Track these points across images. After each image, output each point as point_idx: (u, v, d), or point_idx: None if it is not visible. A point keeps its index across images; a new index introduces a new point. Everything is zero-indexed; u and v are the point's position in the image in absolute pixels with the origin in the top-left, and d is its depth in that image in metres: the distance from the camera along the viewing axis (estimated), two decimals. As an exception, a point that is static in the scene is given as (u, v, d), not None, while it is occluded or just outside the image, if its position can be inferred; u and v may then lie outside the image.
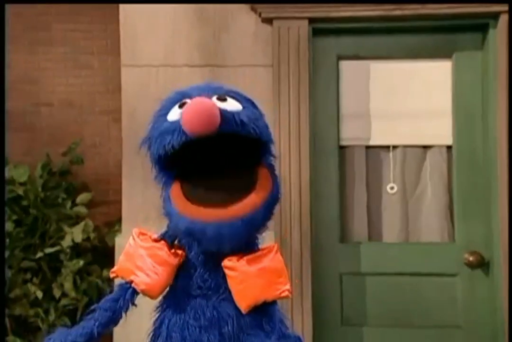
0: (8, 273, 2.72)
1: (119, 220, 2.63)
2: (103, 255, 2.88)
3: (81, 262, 2.79)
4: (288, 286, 1.28)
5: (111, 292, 1.33)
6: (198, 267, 1.30)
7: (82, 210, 2.93)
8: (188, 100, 1.20)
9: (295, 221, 2.46)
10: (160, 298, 1.36)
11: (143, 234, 1.33)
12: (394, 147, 2.63)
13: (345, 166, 2.63)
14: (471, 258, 2.47)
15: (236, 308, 1.26)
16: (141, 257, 1.28)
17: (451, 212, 2.59)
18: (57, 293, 2.77)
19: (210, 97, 1.19)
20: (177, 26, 2.54)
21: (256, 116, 1.23)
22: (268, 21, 2.50)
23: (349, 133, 2.61)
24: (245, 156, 1.25)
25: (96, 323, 1.24)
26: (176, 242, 1.34)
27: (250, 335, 1.25)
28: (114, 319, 1.27)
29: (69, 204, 2.94)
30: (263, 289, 1.25)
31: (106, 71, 3.20)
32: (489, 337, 2.50)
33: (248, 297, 1.24)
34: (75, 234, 2.80)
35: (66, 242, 2.79)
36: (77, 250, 2.85)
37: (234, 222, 1.17)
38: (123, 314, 1.28)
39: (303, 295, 2.43)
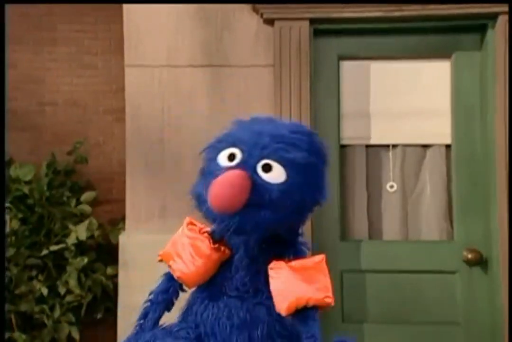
0: (14, 270, 2.75)
1: (123, 218, 2.67)
2: (107, 252, 2.92)
3: (86, 260, 2.81)
4: (331, 294, 1.29)
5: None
6: (240, 270, 1.32)
7: (86, 208, 2.96)
8: (238, 155, 1.23)
9: (296, 219, 2.48)
10: (193, 290, 1.38)
11: (192, 224, 1.37)
12: (394, 146, 2.66)
13: (346, 165, 2.66)
14: (470, 256, 2.50)
15: (270, 314, 1.28)
16: (183, 245, 1.32)
17: (450, 210, 2.62)
18: (62, 290, 2.79)
19: (257, 161, 1.21)
20: (180, 27, 2.57)
21: (299, 186, 1.25)
22: (270, 21, 2.53)
23: (350, 133, 2.63)
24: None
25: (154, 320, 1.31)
26: (224, 239, 1.35)
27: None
28: (167, 309, 1.34)
29: (73, 202, 2.96)
30: (306, 290, 1.26)
31: (110, 71, 3.23)
32: (487, 333, 2.53)
33: (289, 298, 1.24)
34: (79, 232, 2.82)
35: (71, 240, 2.82)
36: (81, 248, 2.88)
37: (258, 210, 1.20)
38: (174, 301, 1.34)
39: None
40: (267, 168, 1.22)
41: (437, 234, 2.62)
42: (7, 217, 2.75)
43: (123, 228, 2.66)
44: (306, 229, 2.46)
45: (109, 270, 2.85)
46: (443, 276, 2.56)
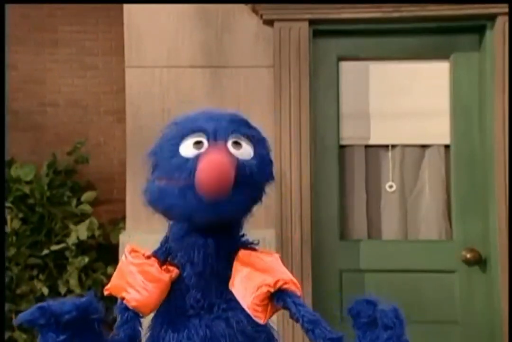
0: (15, 270, 2.76)
1: (123, 218, 2.67)
2: (108, 252, 2.93)
3: (86, 259, 2.83)
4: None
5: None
6: (190, 288, 1.28)
7: (87, 208, 2.97)
8: (204, 141, 1.20)
9: (296, 218, 2.50)
10: (152, 316, 1.34)
11: (135, 251, 1.32)
12: (393, 146, 2.67)
13: (345, 165, 2.67)
14: (468, 255, 2.51)
15: (229, 327, 1.25)
16: (132, 274, 1.27)
17: (449, 210, 2.63)
18: (62, 289, 2.81)
19: (226, 140, 1.19)
20: (180, 28, 2.59)
21: (264, 162, 1.26)
22: (269, 22, 2.54)
23: (349, 133, 2.65)
24: None
25: None
26: (169, 259, 1.32)
27: None
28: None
29: (74, 202, 2.98)
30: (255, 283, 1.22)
31: (110, 72, 3.25)
32: (485, 333, 2.54)
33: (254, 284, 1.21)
34: (80, 232, 2.84)
35: (72, 240, 2.84)
36: (82, 247, 2.89)
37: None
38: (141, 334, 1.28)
39: (304, 291, 2.46)
40: (237, 144, 1.21)
41: (436, 234, 2.63)
42: (8, 217, 2.77)
43: (124, 228, 2.67)
44: (305, 228, 2.49)
45: (110, 270, 2.85)
46: (442, 275, 2.57)
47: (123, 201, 2.61)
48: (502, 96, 2.46)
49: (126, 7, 2.59)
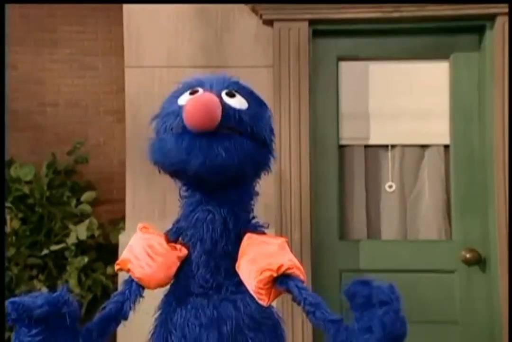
0: (15, 270, 2.76)
1: (123, 218, 2.67)
2: (107, 252, 2.93)
3: (86, 259, 2.83)
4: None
5: (115, 289, 1.34)
6: (200, 267, 1.30)
7: (86, 208, 2.97)
8: (200, 89, 1.25)
9: (295, 218, 2.50)
10: (163, 296, 1.37)
11: (146, 228, 1.36)
12: (393, 146, 2.67)
13: (345, 165, 2.67)
14: (468, 255, 2.51)
15: (236, 309, 1.27)
16: (140, 247, 1.30)
17: (449, 210, 2.63)
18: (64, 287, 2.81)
19: (220, 90, 1.24)
20: (180, 28, 2.59)
21: (258, 117, 1.26)
22: (269, 22, 2.54)
23: (349, 133, 2.65)
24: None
25: (106, 314, 1.25)
26: (180, 239, 1.35)
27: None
28: (123, 311, 1.27)
29: (74, 202, 2.98)
30: (276, 259, 1.24)
31: (110, 72, 3.25)
32: (485, 333, 2.54)
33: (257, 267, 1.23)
34: (79, 232, 2.84)
35: (71, 240, 2.83)
36: (81, 247, 2.89)
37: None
38: (132, 306, 1.28)
39: (303, 291, 2.47)
40: (230, 95, 1.24)
41: (435, 234, 2.63)
42: (8, 217, 2.77)
43: (123, 228, 2.67)
44: (305, 228, 2.50)
45: (109, 270, 2.85)
46: (442, 275, 2.57)
47: (122, 201, 2.62)
48: (501, 97, 2.46)
49: (126, 7, 2.59)
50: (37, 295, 1.13)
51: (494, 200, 2.49)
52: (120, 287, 1.34)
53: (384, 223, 2.68)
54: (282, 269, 1.20)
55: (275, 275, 1.20)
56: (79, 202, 2.99)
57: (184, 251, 1.32)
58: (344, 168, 2.67)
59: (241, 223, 1.32)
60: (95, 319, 1.24)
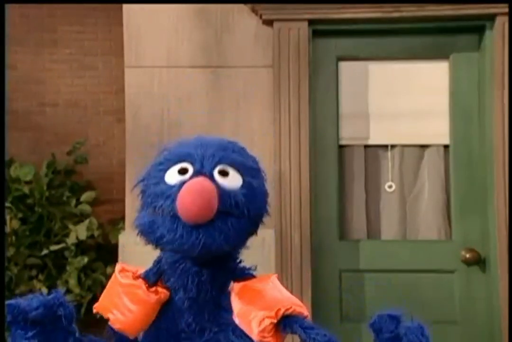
0: (14, 270, 2.76)
1: (122, 218, 2.68)
2: (107, 252, 2.93)
3: (86, 259, 2.83)
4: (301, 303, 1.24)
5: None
6: (182, 311, 1.27)
7: (86, 208, 2.98)
8: (190, 168, 1.18)
9: (295, 218, 2.50)
10: (141, 337, 1.33)
11: (125, 271, 1.31)
12: (393, 146, 2.67)
13: (344, 165, 2.67)
14: (468, 255, 2.51)
15: None
16: (118, 295, 1.26)
17: (448, 210, 2.63)
18: (62, 289, 2.80)
19: (212, 169, 1.17)
20: (179, 28, 2.59)
21: (254, 194, 1.22)
22: (269, 22, 2.54)
23: (348, 133, 2.65)
24: None
25: None
26: (162, 280, 1.31)
27: None
28: None
29: (73, 202, 2.98)
30: (276, 302, 1.20)
31: (110, 72, 3.25)
32: (485, 332, 2.54)
33: (258, 315, 1.19)
34: (79, 232, 2.84)
35: (71, 240, 2.84)
36: (81, 247, 2.90)
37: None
38: None
39: (303, 291, 2.47)
40: (223, 173, 1.19)
41: (435, 234, 2.63)
42: (7, 217, 2.77)
43: (123, 228, 2.67)
44: (305, 228, 2.50)
45: (109, 270, 2.86)
46: (441, 275, 2.57)
47: (122, 201, 2.61)
48: (501, 96, 2.46)
49: (126, 7, 2.59)
50: (32, 297, 1.12)
51: (493, 200, 2.49)
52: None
53: (384, 223, 2.68)
54: (280, 313, 1.17)
55: (275, 321, 1.17)
56: (78, 202, 3.00)
57: (166, 294, 1.28)
58: (343, 168, 2.67)
59: (228, 272, 1.29)
60: None
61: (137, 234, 1.25)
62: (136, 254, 2.47)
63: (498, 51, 2.47)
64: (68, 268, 2.83)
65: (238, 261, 1.32)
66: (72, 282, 2.80)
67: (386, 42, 2.61)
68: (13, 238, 2.80)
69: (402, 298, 2.58)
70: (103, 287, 2.77)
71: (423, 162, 2.68)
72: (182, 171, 1.19)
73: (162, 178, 1.20)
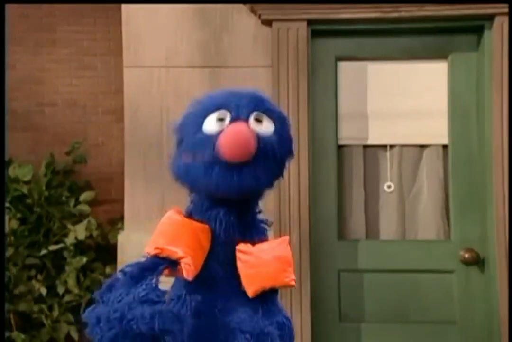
0: (13, 270, 2.76)
1: (121, 218, 2.68)
2: (106, 252, 2.93)
3: (84, 259, 2.83)
4: (294, 276, 1.32)
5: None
6: (211, 258, 1.30)
7: (85, 208, 2.97)
8: (227, 116, 1.22)
9: (294, 218, 2.50)
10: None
11: (180, 212, 1.33)
12: (391, 146, 2.68)
13: (343, 165, 2.67)
14: (466, 255, 2.52)
15: (235, 311, 1.28)
16: (189, 233, 1.27)
17: (447, 210, 2.64)
18: (60, 289, 2.81)
19: (248, 116, 1.22)
20: (178, 28, 2.59)
21: (284, 140, 1.28)
22: (268, 22, 2.55)
23: (347, 133, 2.65)
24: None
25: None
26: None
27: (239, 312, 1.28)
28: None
29: (72, 202, 2.98)
30: (274, 275, 1.29)
31: (109, 72, 3.25)
32: (483, 332, 2.54)
33: (257, 282, 1.27)
34: (78, 232, 2.84)
35: (70, 240, 2.83)
36: (80, 247, 2.89)
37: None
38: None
39: (302, 291, 2.48)
40: (258, 120, 1.24)
41: (434, 234, 2.64)
42: (6, 217, 2.77)
43: (122, 228, 2.67)
44: (304, 228, 2.50)
45: (108, 270, 2.86)
46: (440, 275, 2.57)
47: (121, 201, 2.62)
48: (500, 97, 2.46)
49: (125, 7, 2.59)
50: None
51: (492, 200, 2.49)
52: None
53: (383, 223, 2.68)
54: (257, 293, 1.27)
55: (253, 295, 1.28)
56: (77, 202, 2.99)
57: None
58: (342, 168, 2.67)
59: (251, 216, 1.35)
60: None
61: (173, 179, 1.28)
62: (135, 254, 2.47)
63: (497, 51, 2.47)
64: (67, 268, 2.83)
65: (257, 210, 1.37)
66: (71, 282, 2.79)
67: (385, 42, 2.61)
68: (12, 238, 2.80)
69: (401, 298, 2.58)
70: (101, 287, 2.79)
71: (422, 162, 2.68)
72: (220, 119, 1.23)
73: (200, 126, 1.24)
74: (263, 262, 1.28)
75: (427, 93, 2.63)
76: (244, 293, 1.29)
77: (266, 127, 1.25)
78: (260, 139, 1.20)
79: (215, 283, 1.31)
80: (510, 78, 2.44)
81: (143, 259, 1.23)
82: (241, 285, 1.30)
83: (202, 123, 1.25)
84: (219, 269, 1.31)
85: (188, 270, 1.23)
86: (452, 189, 2.60)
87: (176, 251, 1.23)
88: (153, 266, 1.22)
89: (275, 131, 1.26)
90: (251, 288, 1.27)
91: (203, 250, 1.28)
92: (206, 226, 1.29)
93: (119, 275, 1.20)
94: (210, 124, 1.23)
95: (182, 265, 1.23)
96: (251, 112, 1.24)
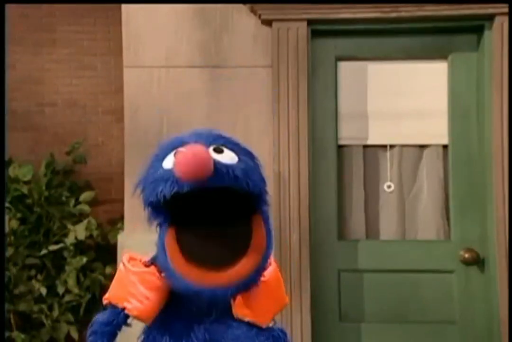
0: (13, 270, 2.76)
1: (121, 218, 2.68)
2: (106, 252, 2.94)
3: (84, 259, 2.83)
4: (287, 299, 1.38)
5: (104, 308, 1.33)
6: (190, 296, 1.28)
7: (85, 208, 2.97)
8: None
9: (294, 218, 2.50)
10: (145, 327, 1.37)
11: (133, 259, 1.34)
12: (391, 146, 2.67)
13: (343, 165, 2.67)
14: (466, 255, 2.51)
15: (228, 328, 1.29)
16: (133, 284, 1.29)
17: (447, 210, 2.63)
18: (60, 289, 2.81)
19: (207, 147, 1.19)
20: (178, 28, 2.59)
21: (251, 170, 1.23)
22: (268, 22, 2.54)
23: (347, 133, 2.65)
24: (240, 207, 1.25)
25: None
26: None
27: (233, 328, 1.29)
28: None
29: (72, 202, 2.98)
30: (276, 303, 1.33)
31: (109, 72, 3.25)
32: (483, 332, 2.54)
33: (266, 315, 1.30)
34: (78, 232, 2.84)
35: (70, 240, 2.84)
36: (80, 247, 2.89)
37: (228, 288, 1.19)
38: (118, 333, 1.32)
39: (302, 291, 2.47)
40: (218, 150, 1.21)
41: (434, 234, 2.63)
42: (6, 217, 2.77)
43: (122, 228, 2.67)
44: (304, 228, 2.50)
45: (108, 270, 2.86)
46: (440, 275, 2.57)
47: (121, 201, 2.61)
48: (500, 97, 2.46)
49: (125, 7, 2.59)
50: None
51: (492, 200, 2.49)
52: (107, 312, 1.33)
53: (383, 223, 2.68)
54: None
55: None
56: (77, 202, 2.99)
57: None
58: (342, 168, 2.67)
59: None
60: None
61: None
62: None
63: (497, 51, 2.47)
64: (67, 268, 2.83)
65: None
66: (71, 282, 2.80)
67: (385, 42, 2.61)
68: (12, 238, 2.80)
69: (401, 298, 2.58)
70: (102, 287, 2.80)
71: (422, 162, 2.68)
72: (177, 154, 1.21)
73: (160, 165, 1.24)
74: (258, 298, 1.30)
75: (427, 93, 2.62)
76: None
77: (228, 156, 1.21)
78: (221, 167, 1.16)
79: (194, 317, 1.30)
80: (510, 78, 2.44)
81: (104, 311, 1.32)
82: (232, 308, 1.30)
83: (161, 162, 1.24)
84: (202, 306, 1.29)
85: (137, 316, 1.28)
86: (452, 189, 2.60)
87: (117, 302, 1.29)
88: (113, 317, 1.30)
89: (240, 161, 1.22)
90: (264, 322, 1.31)
91: (159, 291, 1.28)
92: (154, 268, 1.30)
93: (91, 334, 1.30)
94: (169, 161, 1.22)
95: (128, 312, 1.28)
96: (210, 143, 1.22)
